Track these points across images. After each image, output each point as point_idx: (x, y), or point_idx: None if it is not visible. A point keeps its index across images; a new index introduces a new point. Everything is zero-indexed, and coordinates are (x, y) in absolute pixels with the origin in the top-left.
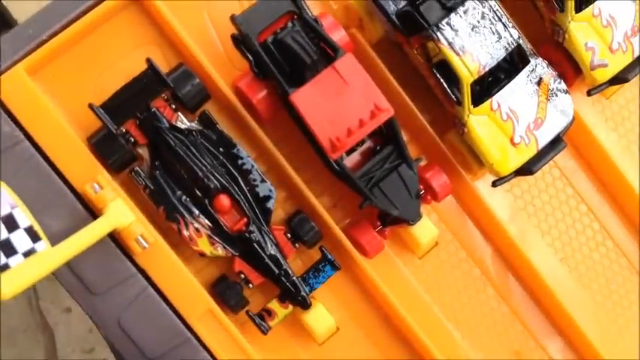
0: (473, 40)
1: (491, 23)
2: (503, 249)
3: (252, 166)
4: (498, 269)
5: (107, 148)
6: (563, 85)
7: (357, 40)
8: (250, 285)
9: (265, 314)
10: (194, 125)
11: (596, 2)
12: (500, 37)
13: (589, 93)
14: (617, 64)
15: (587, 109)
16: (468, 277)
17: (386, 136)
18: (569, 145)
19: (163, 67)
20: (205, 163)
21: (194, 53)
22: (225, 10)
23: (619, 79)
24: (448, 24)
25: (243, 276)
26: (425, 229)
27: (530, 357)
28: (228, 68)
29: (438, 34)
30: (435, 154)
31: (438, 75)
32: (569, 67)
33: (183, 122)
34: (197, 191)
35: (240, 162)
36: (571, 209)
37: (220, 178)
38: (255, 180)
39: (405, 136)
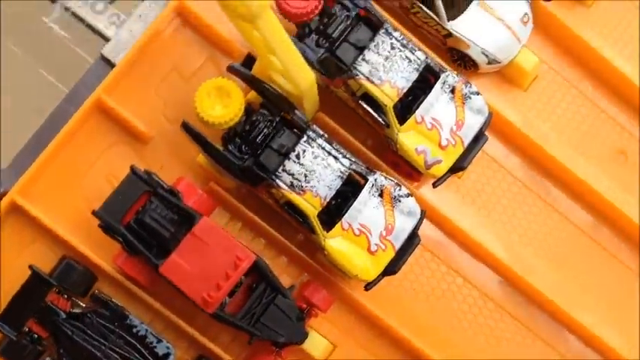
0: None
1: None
2: (393, 340)
3: (147, 330)
4: None
5: (14, 353)
6: (404, 191)
7: (217, 191)
8: None
9: None
10: (89, 306)
11: (417, 112)
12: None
13: (434, 185)
14: (450, 157)
15: (440, 192)
16: None
17: (259, 273)
18: (437, 227)
19: (52, 260)
20: (103, 342)
21: (74, 244)
22: (99, 194)
23: (456, 168)
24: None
25: None
26: (315, 342)
27: None
28: (110, 243)
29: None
30: (312, 272)
31: (290, 211)
32: (413, 168)
33: (79, 306)
34: None
35: (135, 330)
36: (449, 284)
37: (120, 350)
38: (152, 342)
39: (284, 260)
